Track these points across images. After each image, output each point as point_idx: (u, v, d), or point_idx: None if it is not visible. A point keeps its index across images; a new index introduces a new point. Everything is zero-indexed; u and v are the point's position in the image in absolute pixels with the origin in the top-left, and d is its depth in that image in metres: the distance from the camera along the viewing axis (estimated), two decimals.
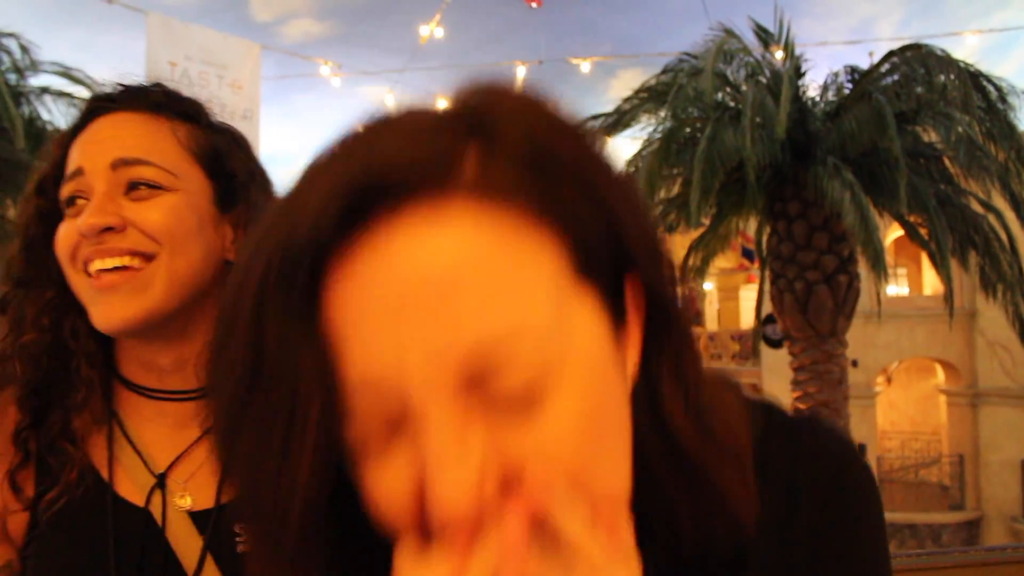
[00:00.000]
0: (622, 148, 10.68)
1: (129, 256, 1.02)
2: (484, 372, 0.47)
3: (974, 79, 9.00)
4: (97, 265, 1.01)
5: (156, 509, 1.06)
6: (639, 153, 10.31)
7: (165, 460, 1.09)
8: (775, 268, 10.20)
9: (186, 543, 1.05)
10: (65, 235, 1.04)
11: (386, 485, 0.50)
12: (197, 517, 1.07)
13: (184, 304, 1.05)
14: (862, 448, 16.14)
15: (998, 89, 9.27)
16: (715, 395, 0.60)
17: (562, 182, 0.50)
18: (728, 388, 0.65)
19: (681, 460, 0.57)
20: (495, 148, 0.49)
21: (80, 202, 1.04)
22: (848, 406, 10.36)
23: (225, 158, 1.12)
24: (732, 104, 9.77)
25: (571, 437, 0.49)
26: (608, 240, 0.52)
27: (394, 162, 0.47)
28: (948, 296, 9.91)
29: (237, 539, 1.04)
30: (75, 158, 1.05)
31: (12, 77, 9.37)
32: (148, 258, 1.03)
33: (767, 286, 10.75)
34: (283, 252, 0.47)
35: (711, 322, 26.85)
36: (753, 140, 8.58)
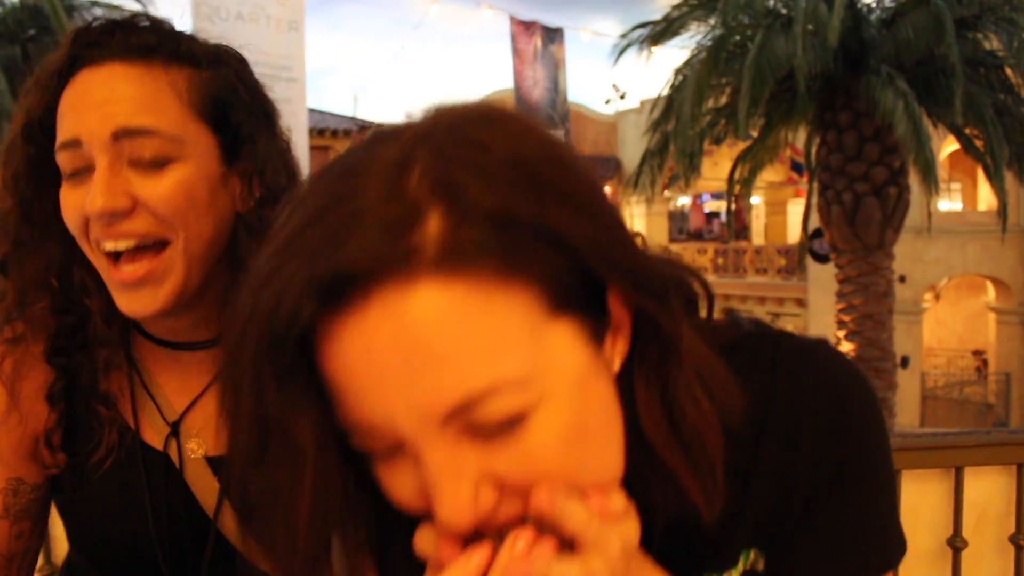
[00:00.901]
0: (670, 57, 10.45)
1: (142, 238, 0.96)
2: (467, 419, 0.53)
3: None
4: (110, 246, 0.95)
5: (174, 454, 1.08)
6: (687, 62, 10.15)
7: (180, 404, 1.09)
8: (823, 179, 10.08)
9: (204, 486, 1.07)
10: (72, 209, 0.96)
11: (396, 488, 0.59)
12: (213, 462, 1.08)
13: (202, 275, 1.01)
14: (904, 361, 16.08)
15: None
16: (699, 399, 0.63)
17: (525, 236, 0.53)
18: (718, 366, 0.66)
19: (651, 455, 0.63)
20: (459, 216, 0.51)
21: (83, 173, 0.96)
22: (893, 320, 10.33)
23: (230, 107, 1.02)
24: (784, 11, 9.52)
25: (556, 448, 0.55)
26: (580, 273, 0.56)
27: (358, 258, 0.50)
28: (1002, 210, 9.75)
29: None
30: (69, 125, 0.95)
31: None
32: (163, 243, 0.97)
33: (815, 199, 10.63)
34: (269, 335, 0.53)
35: (758, 236, 26.61)
36: (804, 48, 8.40)
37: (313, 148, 17.09)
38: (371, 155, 0.55)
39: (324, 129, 20.72)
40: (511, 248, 0.52)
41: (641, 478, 0.64)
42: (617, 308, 0.61)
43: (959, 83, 8.24)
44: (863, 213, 9.66)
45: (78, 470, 1.05)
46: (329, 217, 0.53)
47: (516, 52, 21.08)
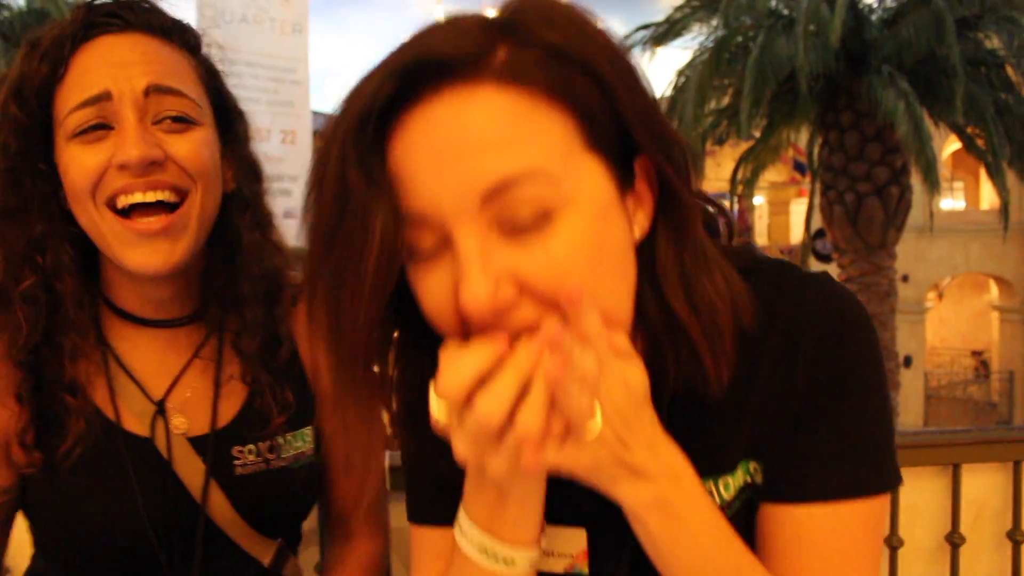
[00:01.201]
0: (672, 58, 10.49)
1: (170, 191, 0.98)
2: (504, 203, 0.61)
3: None
4: (137, 198, 0.96)
5: (159, 436, 1.05)
6: (690, 63, 10.18)
7: (160, 385, 1.08)
8: (825, 179, 10.10)
9: (188, 468, 1.05)
10: (88, 165, 0.96)
11: (433, 290, 0.65)
12: (195, 442, 1.06)
13: (203, 241, 1.03)
14: (907, 360, 16.12)
15: None
16: (709, 270, 0.71)
17: (573, 74, 0.64)
18: (736, 257, 0.76)
19: (670, 318, 0.70)
20: (522, 46, 0.63)
21: (101, 131, 0.96)
22: (896, 319, 10.35)
23: (223, 93, 1.09)
24: (786, 12, 9.56)
25: (577, 256, 0.63)
26: (616, 124, 0.66)
27: (438, 51, 0.62)
28: (1003, 208, 9.77)
29: (235, 461, 1.07)
30: (96, 79, 0.96)
31: None
32: (183, 195, 0.99)
33: (817, 199, 10.65)
34: (357, 117, 0.63)
35: (760, 236, 26.60)
36: (806, 49, 8.44)
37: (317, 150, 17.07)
38: (452, 16, 0.67)
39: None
40: (561, 76, 0.63)
41: (656, 348, 0.72)
42: (642, 178, 0.70)
43: (960, 82, 8.28)
44: (865, 213, 9.69)
45: (51, 466, 1.01)
46: (421, 31, 0.65)
47: None
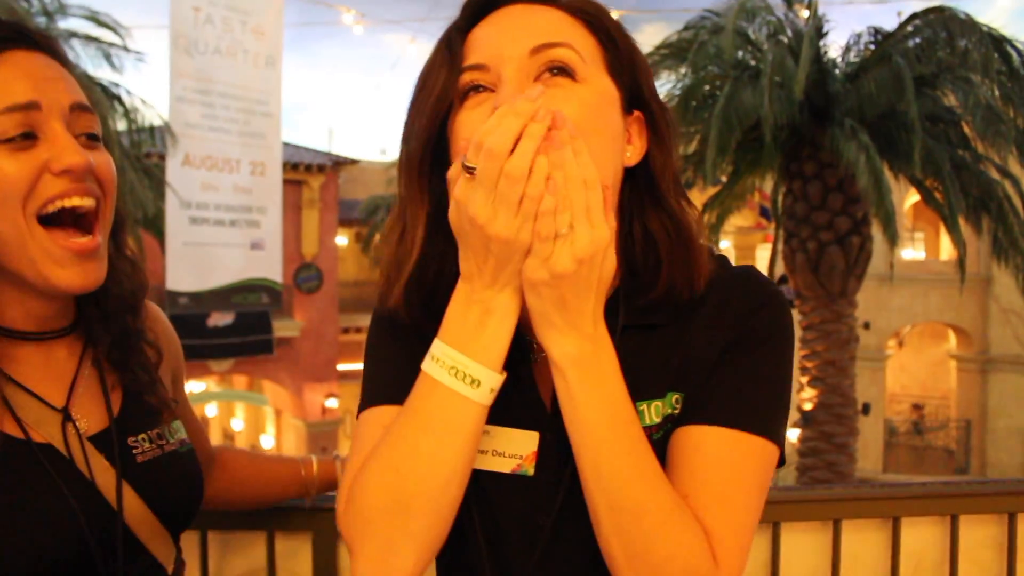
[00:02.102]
0: None
1: (95, 199, 1.04)
2: (542, 56, 0.89)
3: (996, 43, 8.95)
4: (76, 202, 1.01)
5: (69, 441, 1.06)
6: None
7: (54, 394, 1.09)
8: (788, 227, 10.28)
9: (98, 467, 1.07)
10: (18, 173, 0.98)
11: (470, 122, 0.88)
12: (94, 441, 1.08)
13: None
14: (866, 408, 16.28)
15: (1020, 54, 9.22)
16: (687, 208, 0.97)
17: (612, 37, 0.94)
18: (701, 236, 0.99)
19: (670, 223, 0.95)
20: (582, 7, 0.93)
21: (27, 140, 0.99)
22: (856, 366, 10.50)
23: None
24: (752, 63, 9.78)
25: (587, 112, 0.87)
26: (628, 74, 0.95)
27: None
28: (960, 261, 9.97)
29: (134, 451, 1.12)
30: (22, 89, 0.99)
31: (42, 20, 9.49)
32: (92, 217, 1.04)
33: (780, 246, 10.82)
34: (452, 27, 0.95)
35: None
36: (771, 99, 8.62)
37: (287, 182, 17.12)
38: None
39: (298, 163, 20.74)
40: (604, 32, 0.94)
41: (633, 262, 0.96)
42: (637, 126, 0.97)
43: (918, 137, 8.49)
44: (826, 261, 9.86)
45: None
46: None
47: None
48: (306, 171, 21.19)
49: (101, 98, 9.72)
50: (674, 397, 0.94)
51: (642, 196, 0.96)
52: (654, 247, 0.94)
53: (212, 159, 13.30)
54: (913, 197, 17.70)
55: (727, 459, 0.89)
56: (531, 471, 0.95)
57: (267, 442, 22.24)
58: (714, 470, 0.88)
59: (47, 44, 1.06)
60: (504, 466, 0.95)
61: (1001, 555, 2.08)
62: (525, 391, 0.97)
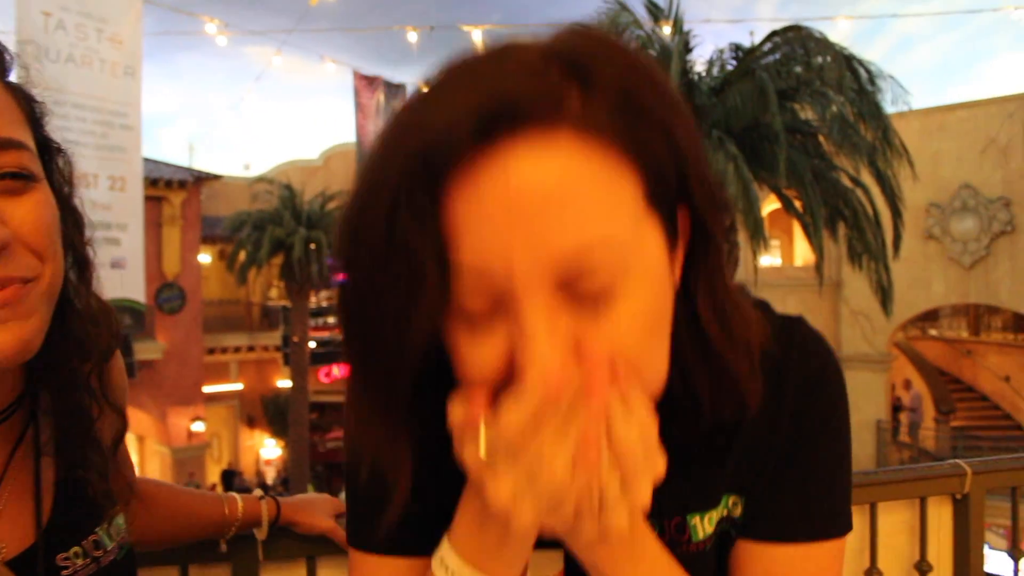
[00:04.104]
0: None
1: (18, 283, 0.79)
2: (575, 272, 0.57)
3: (848, 61, 9.55)
4: None
5: None
6: None
7: None
8: None
9: None
10: None
11: (480, 354, 0.61)
12: (16, 564, 0.86)
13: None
14: None
15: (868, 72, 9.86)
16: (736, 302, 0.70)
17: (644, 126, 0.59)
18: (744, 296, 0.75)
19: (707, 351, 0.69)
20: (593, 90, 0.58)
21: None
22: None
23: (43, 127, 0.89)
24: None
25: (634, 331, 0.60)
26: (675, 175, 0.62)
27: (517, 92, 0.55)
28: (819, 265, 10.53)
29: (63, 571, 0.89)
30: None
31: None
32: (29, 280, 0.80)
33: None
34: (420, 156, 0.56)
35: None
36: None
37: (146, 199, 16.40)
38: (510, 48, 0.60)
39: (158, 179, 19.94)
40: (633, 126, 0.58)
41: (694, 377, 0.71)
42: (684, 223, 0.67)
43: (783, 148, 8.93)
44: None
45: None
46: (488, 61, 0.59)
47: (359, 106, 21.08)
48: (166, 187, 20.41)
49: None
50: (731, 500, 0.80)
51: (686, 308, 0.69)
52: (713, 356, 0.71)
53: None
54: (770, 205, 18.61)
55: (809, 573, 0.78)
56: None
57: None
58: None
59: None
60: None
61: (914, 538, 2.19)
62: None
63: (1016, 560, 2.36)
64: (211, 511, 1.40)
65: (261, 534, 1.51)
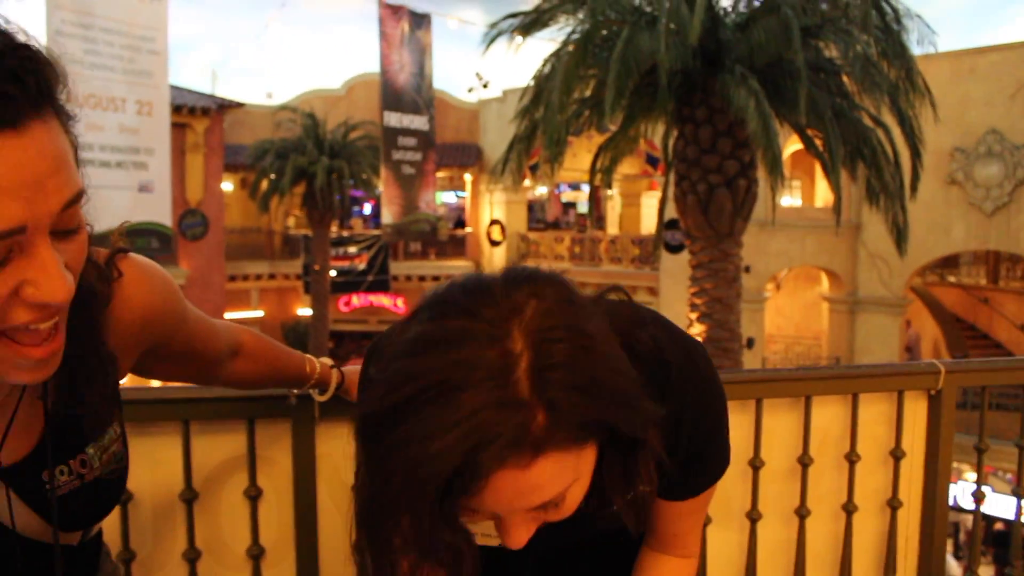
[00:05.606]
0: (536, 49, 10.76)
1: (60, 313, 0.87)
2: (545, 508, 0.88)
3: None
4: (39, 325, 0.82)
5: None
6: (556, 52, 10.51)
7: None
8: (680, 170, 10.67)
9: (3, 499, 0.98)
10: None
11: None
12: (8, 472, 0.98)
13: None
14: (750, 342, 17.27)
15: (894, 10, 9.78)
16: (651, 465, 0.98)
17: (597, 430, 0.86)
18: (636, 329, 1.00)
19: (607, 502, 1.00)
20: (557, 421, 0.80)
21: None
22: (740, 304, 11.08)
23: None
24: (648, 9, 10.04)
25: (577, 501, 0.91)
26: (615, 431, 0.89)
27: (493, 439, 0.77)
28: (837, 204, 10.59)
29: (46, 485, 0.99)
30: (9, 210, 0.73)
31: None
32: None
33: (671, 190, 11.22)
34: (418, 482, 0.78)
35: (612, 226, 27.55)
36: (667, 45, 8.90)
37: (171, 125, 16.49)
38: (475, 354, 0.79)
39: (182, 106, 20.02)
40: (588, 435, 0.85)
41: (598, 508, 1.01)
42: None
43: (804, 86, 8.94)
44: (715, 203, 10.31)
45: None
46: (468, 408, 0.77)
47: (383, 36, 21.00)
48: (189, 114, 20.50)
49: None
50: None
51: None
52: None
53: (96, 97, 12.75)
54: (792, 147, 18.54)
55: (692, 509, 1.17)
56: None
57: None
58: (683, 518, 1.18)
59: (30, 97, 0.75)
60: (493, 543, 1.02)
61: (891, 429, 2.40)
62: (511, 561, 1.11)
63: (980, 454, 2.57)
64: (297, 366, 1.64)
65: (324, 396, 1.76)
